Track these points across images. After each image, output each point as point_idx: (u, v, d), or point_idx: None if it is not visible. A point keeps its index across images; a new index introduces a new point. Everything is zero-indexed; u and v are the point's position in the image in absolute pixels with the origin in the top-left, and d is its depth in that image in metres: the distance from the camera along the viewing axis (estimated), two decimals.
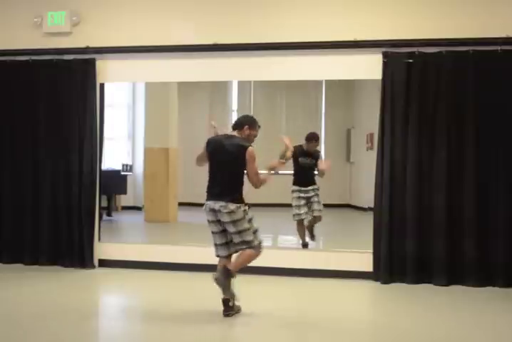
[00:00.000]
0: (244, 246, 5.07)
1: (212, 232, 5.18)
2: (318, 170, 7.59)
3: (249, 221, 5.10)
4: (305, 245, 7.59)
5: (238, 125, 5.23)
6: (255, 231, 5.13)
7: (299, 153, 7.43)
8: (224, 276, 4.98)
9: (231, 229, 5.05)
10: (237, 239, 5.07)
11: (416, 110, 6.39)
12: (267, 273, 6.11)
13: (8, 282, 6.46)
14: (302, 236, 7.64)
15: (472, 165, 6.29)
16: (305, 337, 4.82)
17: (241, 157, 5.05)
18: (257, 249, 5.11)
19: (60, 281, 6.55)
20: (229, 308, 5.04)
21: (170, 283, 6.46)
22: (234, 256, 5.20)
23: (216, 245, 5.19)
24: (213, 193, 5.13)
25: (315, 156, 7.59)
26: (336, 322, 5.08)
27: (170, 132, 10.03)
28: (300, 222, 7.64)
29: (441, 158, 6.33)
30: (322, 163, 7.57)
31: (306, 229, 7.70)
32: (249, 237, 5.06)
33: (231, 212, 5.00)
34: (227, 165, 5.12)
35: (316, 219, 7.70)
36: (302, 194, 7.58)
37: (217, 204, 5.04)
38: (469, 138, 6.31)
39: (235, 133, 5.21)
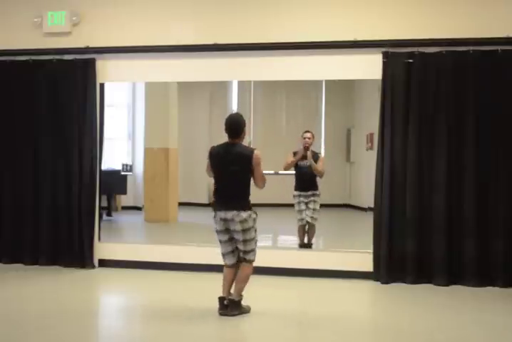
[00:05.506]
0: (246, 257, 5.12)
1: (220, 241, 5.20)
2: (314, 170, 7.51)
3: (255, 231, 5.14)
4: (301, 246, 7.56)
5: (238, 133, 5.14)
6: (256, 242, 5.18)
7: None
8: (235, 308, 5.08)
9: (239, 237, 5.08)
10: (241, 246, 5.12)
11: (416, 110, 6.39)
12: (266, 273, 6.09)
13: (8, 282, 6.46)
14: (301, 237, 7.62)
15: (472, 165, 6.30)
16: (305, 337, 4.82)
17: (248, 163, 5.03)
18: (252, 262, 5.17)
19: (60, 281, 6.55)
20: (224, 307, 5.13)
21: (170, 283, 6.46)
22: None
23: (223, 254, 5.21)
24: (223, 202, 5.11)
25: (314, 158, 7.51)
26: (336, 322, 5.08)
27: (170, 132, 10.02)
28: (303, 226, 7.59)
29: (441, 158, 6.34)
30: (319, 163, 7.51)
31: (305, 232, 7.61)
32: (251, 246, 5.11)
33: (243, 221, 5.02)
34: (235, 174, 5.07)
35: (309, 226, 7.54)
36: (302, 199, 7.54)
37: (228, 214, 5.03)
38: (469, 138, 6.31)
39: (236, 140, 5.14)
